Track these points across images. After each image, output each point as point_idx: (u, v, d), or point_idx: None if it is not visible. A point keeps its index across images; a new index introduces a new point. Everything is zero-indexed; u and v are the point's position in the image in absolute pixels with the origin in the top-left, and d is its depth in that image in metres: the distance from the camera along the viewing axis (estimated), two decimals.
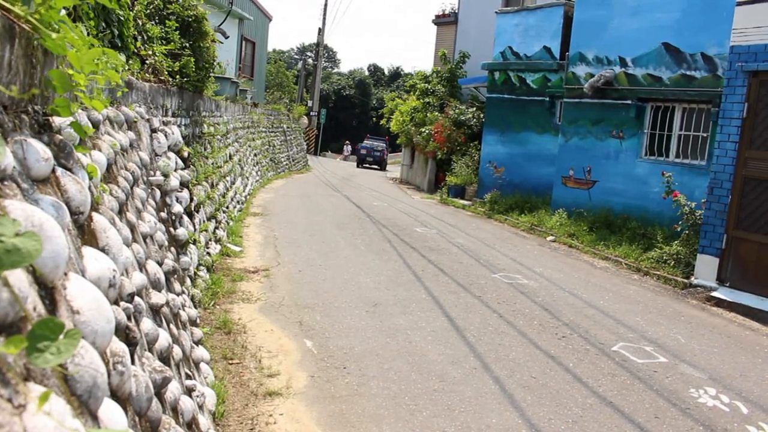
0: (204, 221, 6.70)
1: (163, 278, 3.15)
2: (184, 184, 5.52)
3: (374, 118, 45.87)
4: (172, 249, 4.42)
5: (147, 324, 2.34)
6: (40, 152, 1.44)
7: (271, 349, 4.58)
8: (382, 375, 4.24)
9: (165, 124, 5.45)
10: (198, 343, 4.05)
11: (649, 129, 10.02)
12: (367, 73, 61.31)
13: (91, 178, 1.97)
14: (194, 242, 5.60)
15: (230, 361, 4.31)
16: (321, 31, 34.05)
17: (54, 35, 1.45)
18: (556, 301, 6.37)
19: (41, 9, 1.43)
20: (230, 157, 10.63)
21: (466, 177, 15.42)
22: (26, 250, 0.96)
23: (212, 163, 8.38)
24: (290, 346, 4.66)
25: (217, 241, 7.30)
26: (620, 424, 3.82)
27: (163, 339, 2.57)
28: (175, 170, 5.18)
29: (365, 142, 31.16)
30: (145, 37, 5.83)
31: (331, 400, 3.84)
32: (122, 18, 4.24)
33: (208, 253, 6.46)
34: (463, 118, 16.33)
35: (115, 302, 1.81)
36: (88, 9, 3.00)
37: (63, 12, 1.51)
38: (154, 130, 4.79)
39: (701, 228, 7.52)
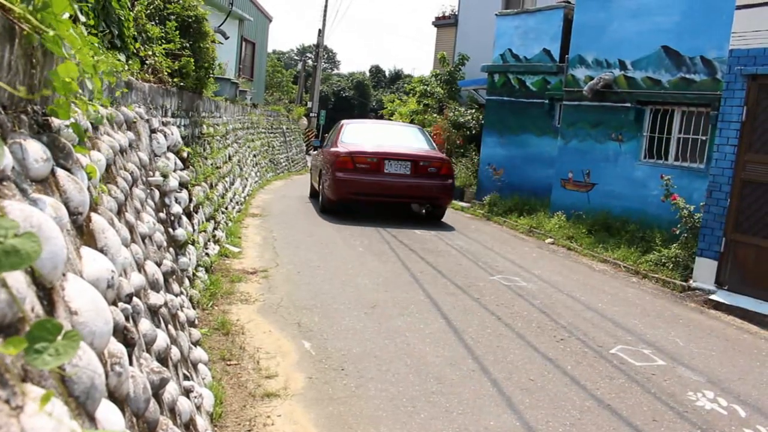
0: (203, 222, 6.70)
1: (161, 279, 3.15)
2: (183, 185, 5.52)
3: None
4: (171, 249, 4.42)
5: (145, 325, 2.34)
6: (39, 152, 1.44)
7: (269, 351, 4.57)
8: (380, 377, 4.24)
9: (164, 124, 5.45)
10: (196, 344, 4.04)
11: (648, 132, 10.03)
12: (368, 74, 61.36)
13: (90, 179, 1.97)
14: (193, 243, 5.60)
15: (228, 362, 4.30)
16: (321, 33, 34.06)
17: (51, 32, 1.45)
18: (555, 304, 6.38)
19: (40, 8, 1.44)
20: (229, 158, 10.64)
21: (464, 179, 15.43)
22: (25, 252, 0.96)
23: (211, 164, 8.38)
24: (288, 348, 4.66)
25: (216, 241, 7.30)
26: (618, 426, 3.82)
27: (162, 340, 2.57)
28: (174, 171, 5.18)
29: None
30: (145, 38, 5.84)
31: (329, 401, 3.84)
32: (122, 18, 4.24)
33: (207, 254, 6.46)
34: (462, 120, 16.34)
35: (114, 303, 1.81)
36: (88, 9, 3.00)
37: (66, 15, 1.51)
38: (153, 131, 4.79)
39: (700, 231, 7.53)
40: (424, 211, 11.42)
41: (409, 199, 10.67)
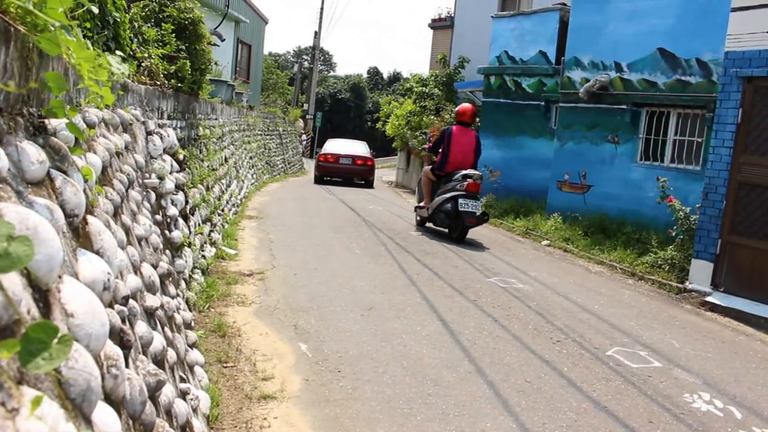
0: (199, 224, 6.69)
1: (157, 281, 3.14)
2: (179, 187, 5.51)
3: (369, 122, 45.92)
4: (167, 252, 4.41)
5: (141, 327, 2.34)
6: (35, 155, 1.44)
7: (265, 353, 4.57)
8: (377, 379, 4.24)
9: (161, 126, 5.45)
10: (192, 346, 4.04)
11: (644, 134, 10.05)
12: (365, 76, 61.38)
13: (86, 181, 1.97)
14: (189, 245, 5.59)
15: (225, 365, 4.30)
16: (317, 35, 34.07)
17: (53, 22, 1.45)
18: (551, 306, 6.38)
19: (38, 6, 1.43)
20: (226, 159, 10.63)
21: None
22: (17, 255, 0.95)
23: (208, 166, 8.37)
24: (285, 350, 4.66)
25: (212, 243, 7.29)
26: (614, 428, 3.83)
27: (158, 342, 2.56)
28: (171, 173, 5.17)
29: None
30: (141, 40, 5.83)
31: (326, 403, 3.84)
32: (118, 20, 4.24)
33: (203, 256, 6.44)
34: None
35: (110, 305, 1.80)
36: (83, 13, 2.99)
37: (61, 10, 1.51)
38: (149, 133, 4.78)
39: (696, 233, 7.54)
40: (363, 182, 19.75)
41: (351, 175, 19.62)
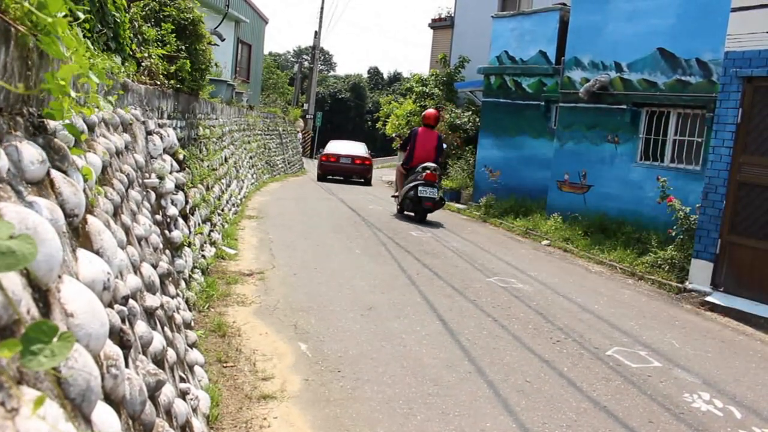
0: (199, 224, 6.69)
1: (157, 281, 3.14)
2: (179, 187, 5.51)
3: (369, 122, 45.92)
4: (167, 251, 4.41)
5: (141, 327, 2.34)
6: (34, 155, 1.44)
7: (265, 353, 4.57)
8: (377, 379, 4.24)
9: (160, 126, 5.45)
10: (192, 346, 4.04)
11: (644, 134, 10.05)
12: (365, 76, 61.38)
13: (85, 181, 1.97)
14: (189, 245, 5.58)
15: (224, 364, 4.30)
16: (317, 34, 34.07)
17: (50, 19, 1.45)
18: (551, 306, 6.38)
19: (36, 7, 1.43)
20: (226, 159, 10.62)
21: (461, 181, 15.43)
22: (21, 253, 0.95)
23: (207, 166, 8.37)
24: (285, 350, 4.66)
25: (212, 243, 7.29)
26: (614, 428, 3.83)
27: (158, 342, 2.56)
28: (171, 173, 5.17)
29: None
30: (141, 39, 5.83)
31: (326, 403, 3.84)
32: (118, 20, 4.24)
33: (203, 256, 6.44)
34: (459, 122, 16.35)
35: (110, 305, 1.80)
36: (84, 12, 2.99)
37: (61, 14, 1.51)
38: (149, 133, 4.78)
39: (695, 233, 7.54)
40: (362, 180, 20.79)
41: (350, 174, 20.55)
